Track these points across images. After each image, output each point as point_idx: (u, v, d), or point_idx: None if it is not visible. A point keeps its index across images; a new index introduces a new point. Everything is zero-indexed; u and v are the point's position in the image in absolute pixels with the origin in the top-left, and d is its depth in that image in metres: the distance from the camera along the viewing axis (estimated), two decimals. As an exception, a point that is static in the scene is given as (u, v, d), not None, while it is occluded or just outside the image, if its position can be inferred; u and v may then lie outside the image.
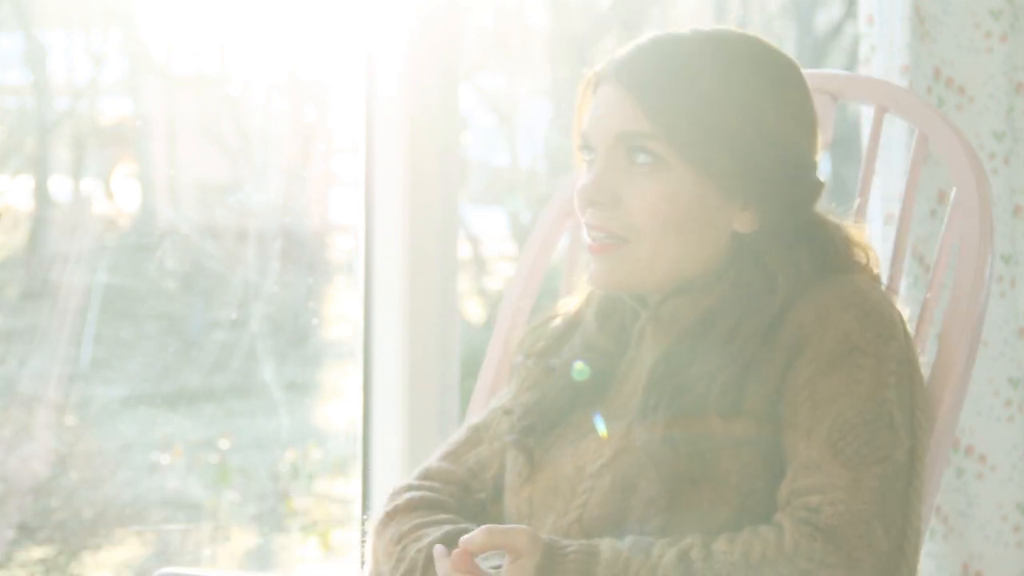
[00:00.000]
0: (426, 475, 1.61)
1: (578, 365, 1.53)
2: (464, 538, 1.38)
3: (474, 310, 3.83)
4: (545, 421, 1.53)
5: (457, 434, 1.66)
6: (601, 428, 1.47)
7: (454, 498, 1.58)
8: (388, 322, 2.35)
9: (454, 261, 2.37)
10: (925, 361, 1.58)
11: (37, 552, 2.62)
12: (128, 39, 2.86)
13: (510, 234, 3.82)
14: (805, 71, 1.62)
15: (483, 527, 1.38)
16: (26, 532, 2.60)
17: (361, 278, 2.38)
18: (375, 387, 2.37)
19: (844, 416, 1.40)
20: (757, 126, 1.46)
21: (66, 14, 2.77)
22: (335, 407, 2.89)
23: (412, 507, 1.56)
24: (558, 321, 1.61)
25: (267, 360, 2.74)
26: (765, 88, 1.48)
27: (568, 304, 1.63)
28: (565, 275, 1.86)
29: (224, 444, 2.86)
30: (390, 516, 1.56)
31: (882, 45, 2.38)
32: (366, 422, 2.38)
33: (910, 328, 1.51)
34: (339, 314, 2.86)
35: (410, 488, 1.59)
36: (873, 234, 2.40)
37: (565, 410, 1.54)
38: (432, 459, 1.64)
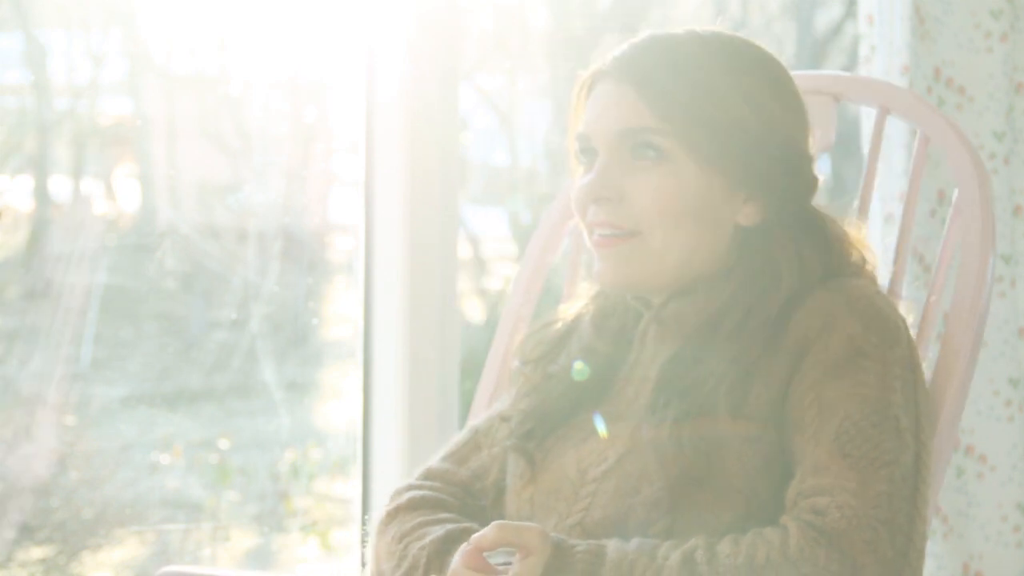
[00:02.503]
0: (428, 475, 1.61)
1: (578, 365, 1.53)
2: (476, 535, 1.38)
3: (474, 310, 3.83)
4: (545, 426, 1.53)
5: (459, 435, 1.66)
6: (601, 428, 1.47)
7: (456, 498, 1.58)
8: (388, 322, 2.35)
9: (454, 261, 2.37)
10: (927, 362, 1.58)
11: (37, 552, 2.62)
12: (128, 39, 2.86)
13: (510, 234, 3.82)
14: (807, 72, 1.62)
15: (495, 523, 1.38)
16: (26, 532, 2.60)
17: (361, 278, 2.38)
18: (375, 387, 2.37)
19: (851, 419, 1.40)
20: (759, 117, 1.47)
21: (66, 14, 2.77)
22: (335, 407, 2.89)
23: (414, 506, 1.56)
24: (557, 326, 1.61)
25: (267, 360, 2.74)
26: (764, 82, 1.49)
27: (567, 309, 1.63)
28: (567, 279, 1.86)
29: (224, 444, 2.86)
30: (392, 515, 1.56)
31: (882, 45, 2.38)
32: (366, 422, 2.38)
33: (912, 330, 1.51)
34: (339, 314, 2.86)
35: (412, 488, 1.59)
36: (873, 234, 2.40)
37: (565, 414, 1.54)
38: (434, 460, 1.64)
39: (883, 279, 1.66)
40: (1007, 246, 2.38)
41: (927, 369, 1.56)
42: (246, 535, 2.86)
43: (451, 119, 2.38)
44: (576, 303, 1.63)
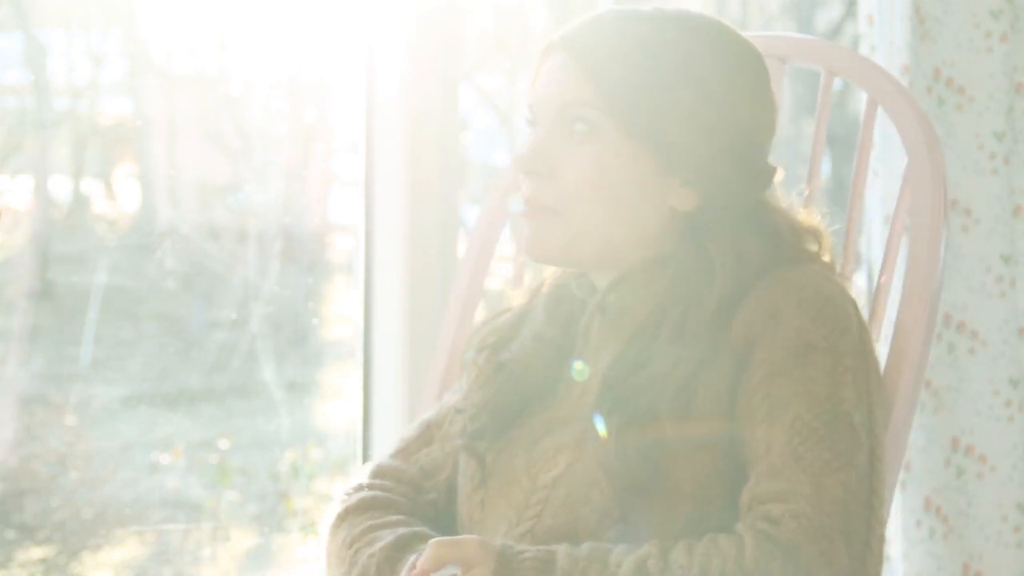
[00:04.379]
0: (378, 473, 1.58)
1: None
2: (419, 559, 1.35)
3: (474, 310, 3.82)
4: (496, 423, 1.50)
5: (408, 430, 1.63)
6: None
7: (406, 497, 1.55)
8: (388, 322, 2.35)
9: (454, 261, 2.37)
10: (881, 343, 1.54)
11: (37, 552, 2.62)
12: (128, 39, 2.86)
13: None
14: (755, 33, 1.58)
15: (431, 542, 1.35)
16: (26, 532, 2.60)
17: (361, 278, 2.38)
18: (375, 387, 2.37)
19: (803, 419, 1.36)
20: (703, 99, 1.43)
21: (66, 14, 2.77)
22: (335, 407, 2.89)
23: (363, 507, 1.53)
24: (507, 315, 1.58)
25: (267, 360, 2.74)
26: (719, 64, 1.45)
27: (518, 296, 1.60)
28: (515, 261, 1.84)
29: (224, 444, 2.86)
30: (341, 517, 1.53)
31: (882, 45, 2.38)
32: (366, 422, 2.38)
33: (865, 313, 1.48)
34: (339, 314, 2.86)
35: (361, 488, 1.56)
36: (873, 234, 2.40)
37: (517, 409, 1.51)
38: (384, 456, 1.61)
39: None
40: (1007, 246, 2.38)
41: (882, 350, 1.52)
42: (246, 535, 2.86)
43: (451, 119, 2.38)
44: (527, 289, 1.60)
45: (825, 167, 3.52)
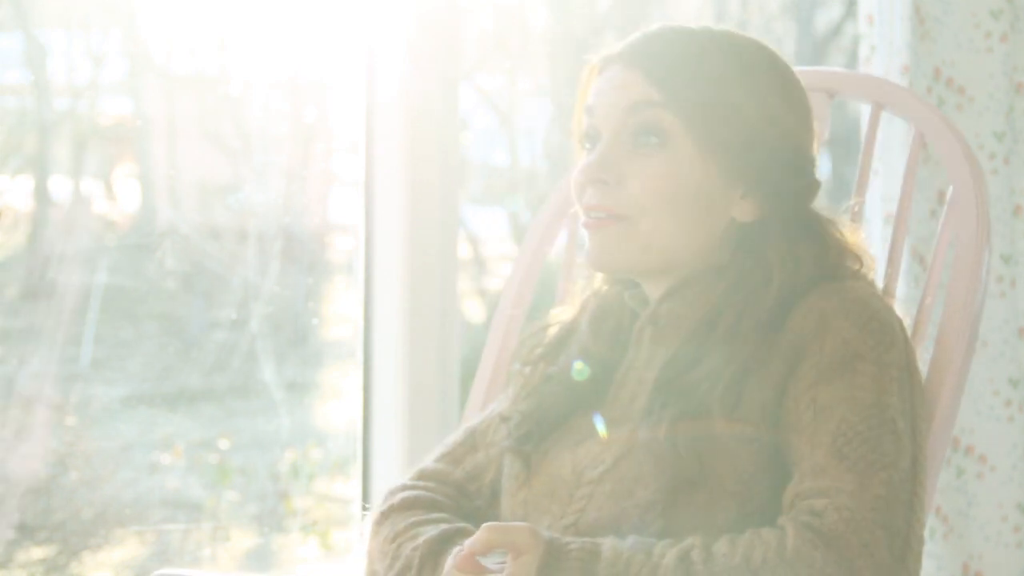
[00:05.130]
0: (422, 475, 1.61)
1: (578, 365, 1.53)
2: (468, 540, 1.38)
3: (474, 310, 3.83)
4: (542, 428, 1.53)
5: (454, 436, 1.66)
6: (601, 428, 1.47)
7: (449, 498, 1.58)
8: (388, 322, 2.35)
9: (454, 261, 2.37)
10: (923, 362, 1.58)
11: (37, 552, 2.62)
12: (128, 39, 2.86)
13: (510, 234, 3.82)
14: (802, 68, 1.62)
15: (484, 526, 1.37)
16: (26, 532, 2.60)
17: (361, 278, 2.38)
18: (375, 387, 2.37)
19: (848, 422, 1.39)
20: (764, 113, 1.47)
21: (66, 14, 2.77)
22: (335, 407, 2.89)
23: (407, 506, 1.55)
24: (555, 328, 1.61)
25: (267, 360, 2.74)
26: (772, 81, 1.49)
27: (564, 312, 1.63)
28: (562, 278, 1.85)
29: (224, 444, 2.86)
30: (385, 515, 1.55)
31: (882, 45, 2.38)
32: (366, 422, 2.38)
33: (908, 330, 1.51)
34: (339, 314, 2.86)
35: (405, 488, 1.59)
36: (873, 234, 2.40)
37: (563, 416, 1.53)
38: (428, 460, 1.64)
39: (879, 282, 1.66)
40: (1007, 246, 2.38)
41: (923, 369, 1.55)
42: (246, 535, 2.86)
43: (451, 119, 2.38)
44: (573, 304, 1.62)
45: (825, 167, 3.53)
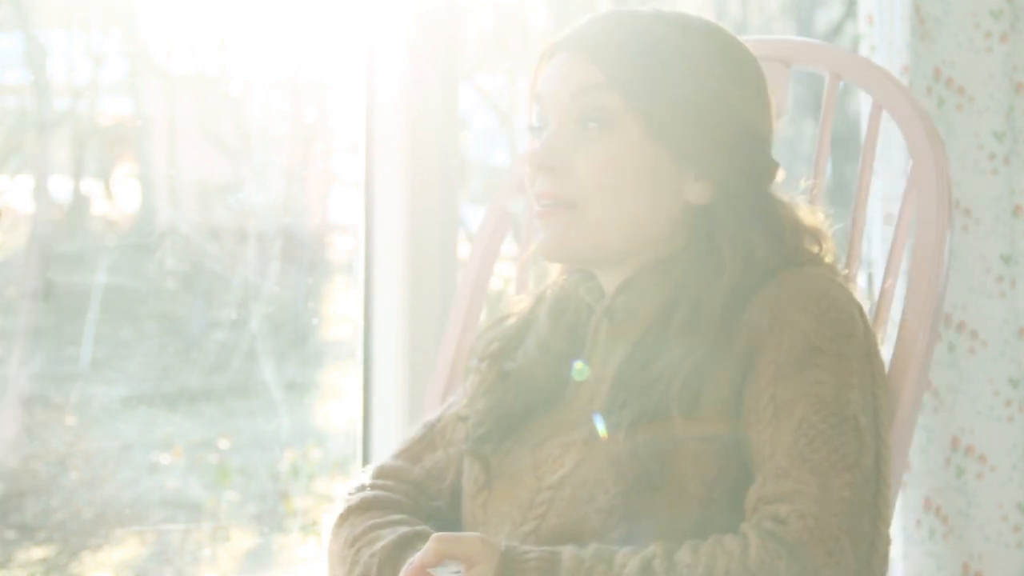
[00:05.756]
0: (380, 473, 1.58)
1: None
2: (417, 555, 1.35)
3: (474, 310, 3.82)
4: (501, 428, 1.51)
5: (412, 431, 1.63)
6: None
7: (408, 497, 1.56)
8: (388, 322, 2.35)
9: (454, 261, 2.37)
10: (886, 347, 1.54)
11: (37, 552, 2.62)
12: (128, 39, 2.86)
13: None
14: (757, 37, 1.59)
15: (433, 536, 1.35)
16: (26, 532, 2.60)
17: (361, 278, 2.38)
18: (375, 387, 2.37)
19: (809, 420, 1.36)
20: (714, 93, 1.44)
21: (66, 14, 2.77)
22: (335, 407, 2.88)
23: (365, 507, 1.53)
24: (512, 321, 1.58)
25: (267, 360, 2.74)
26: (724, 62, 1.46)
27: (521, 302, 1.60)
28: (519, 266, 1.84)
29: (224, 444, 2.86)
30: (343, 517, 1.53)
31: (882, 45, 2.38)
32: (366, 422, 2.38)
33: (870, 316, 1.48)
34: (339, 314, 2.86)
35: (363, 488, 1.56)
36: (873, 234, 2.40)
37: (521, 416, 1.51)
38: (387, 457, 1.61)
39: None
40: (1007, 246, 2.38)
41: (886, 353, 1.52)
42: (246, 535, 2.86)
43: (451, 119, 2.38)
44: (530, 295, 1.60)
45: (827, 167, 3.52)
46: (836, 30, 4.06)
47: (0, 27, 2.69)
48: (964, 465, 2.38)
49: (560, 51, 1.48)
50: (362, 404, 2.38)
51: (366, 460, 2.38)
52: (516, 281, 1.82)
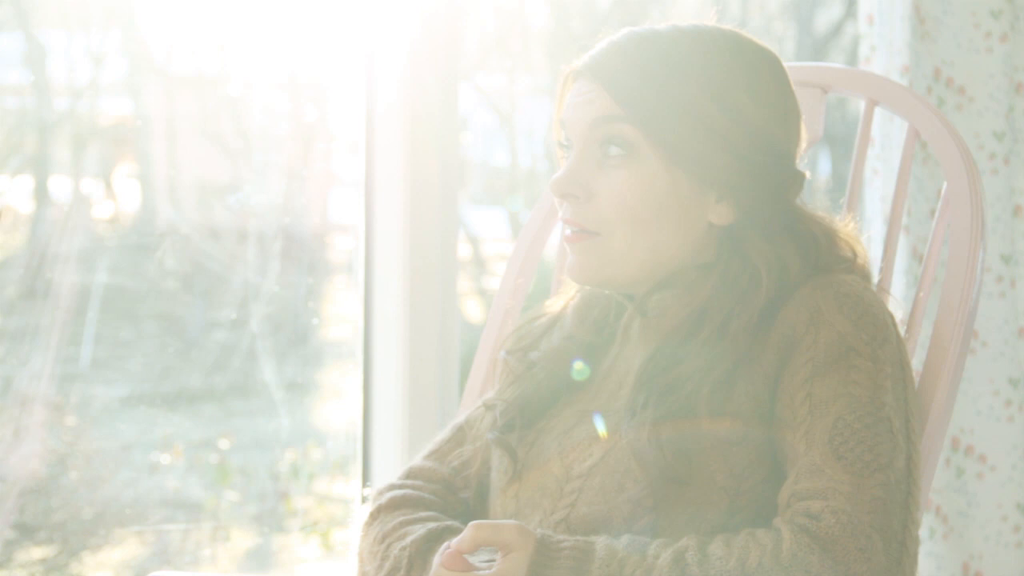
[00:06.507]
0: (410, 474, 1.61)
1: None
2: (455, 539, 1.37)
3: (474, 310, 3.83)
4: (525, 417, 1.53)
5: (442, 433, 1.66)
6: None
7: (437, 496, 1.58)
8: (388, 322, 2.35)
9: (454, 261, 2.37)
10: (916, 360, 1.57)
11: (37, 552, 2.62)
12: (128, 39, 2.86)
13: (510, 234, 3.82)
14: (796, 64, 1.60)
15: (471, 523, 1.37)
16: (26, 532, 2.60)
17: (361, 278, 2.38)
18: (375, 387, 2.37)
19: (844, 420, 1.38)
20: (730, 114, 1.45)
21: (66, 14, 2.77)
22: (335, 407, 2.88)
23: (395, 505, 1.56)
24: (543, 319, 1.61)
25: (267, 360, 2.74)
26: (740, 78, 1.46)
27: (555, 303, 1.63)
28: (555, 273, 1.85)
29: (224, 444, 2.86)
30: (373, 515, 1.56)
31: (882, 45, 2.38)
32: (366, 422, 2.38)
33: (902, 329, 1.50)
34: (339, 314, 2.86)
35: (393, 487, 1.59)
36: (873, 235, 2.40)
37: (546, 404, 1.53)
38: (416, 458, 1.64)
39: (888, 281, 1.66)
40: (1007, 246, 2.38)
41: (917, 367, 1.55)
42: (246, 535, 2.86)
43: (451, 119, 2.38)
44: (562, 296, 1.62)
45: (825, 166, 3.53)
46: (836, 30, 4.07)
47: (0, 27, 2.69)
48: (964, 465, 2.38)
49: (579, 78, 1.50)
50: (362, 404, 2.38)
51: (366, 460, 2.39)
52: (553, 286, 1.84)
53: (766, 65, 1.49)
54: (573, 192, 1.47)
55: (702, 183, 1.46)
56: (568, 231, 1.49)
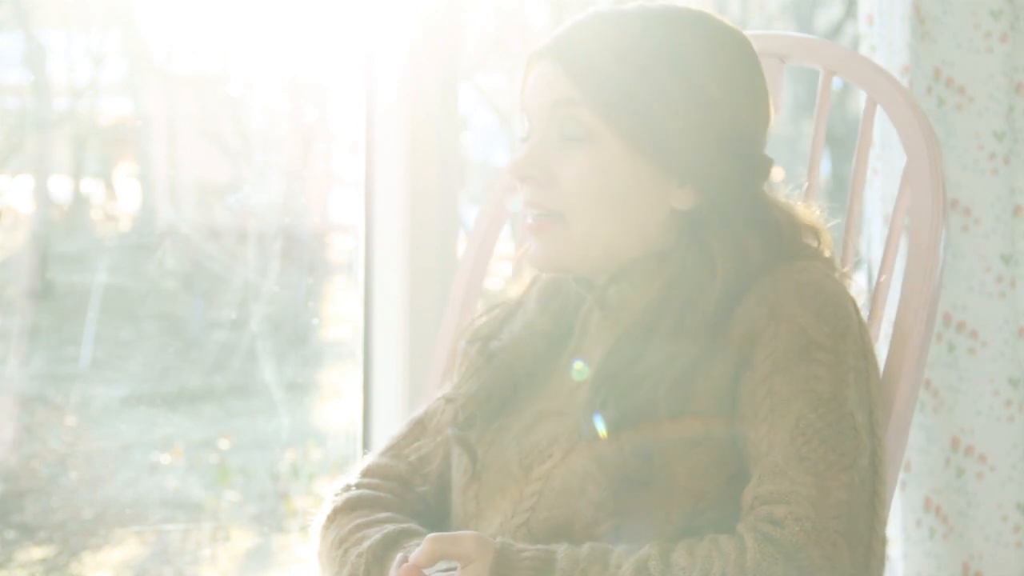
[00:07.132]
0: (367, 472, 1.58)
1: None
2: (412, 555, 1.34)
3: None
4: (486, 411, 1.50)
5: (399, 428, 1.63)
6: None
7: (394, 494, 1.55)
8: (388, 322, 2.35)
9: (454, 261, 2.37)
10: (881, 342, 1.52)
11: (37, 552, 2.62)
12: (128, 39, 2.86)
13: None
14: (752, 32, 1.56)
15: (428, 536, 1.34)
16: (26, 532, 2.60)
17: (361, 278, 2.38)
18: (375, 387, 2.37)
19: (807, 419, 1.35)
20: (694, 97, 1.41)
21: (66, 14, 2.77)
22: (335, 407, 2.88)
23: (351, 507, 1.53)
24: (502, 307, 1.58)
25: (267, 360, 2.74)
26: (705, 59, 1.43)
27: (513, 288, 1.59)
28: (514, 257, 1.84)
29: (224, 444, 2.86)
30: (331, 518, 1.53)
31: (882, 45, 2.38)
32: (366, 422, 2.38)
33: (864, 312, 1.47)
34: (339, 314, 2.86)
35: (349, 487, 1.56)
36: (872, 233, 2.40)
37: (506, 397, 1.50)
38: (373, 455, 1.61)
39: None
40: (1007, 246, 2.38)
41: (882, 349, 1.51)
42: (246, 535, 2.86)
43: (451, 119, 2.38)
44: (521, 282, 1.59)
45: (825, 166, 3.52)
46: (836, 30, 4.07)
47: (0, 27, 2.69)
48: (964, 465, 2.38)
49: (541, 60, 1.47)
50: (362, 404, 2.38)
51: (366, 460, 2.38)
52: (512, 277, 1.82)
53: (734, 46, 1.46)
54: (533, 174, 1.44)
55: (664, 168, 1.43)
56: (529, 219, 1.46)
